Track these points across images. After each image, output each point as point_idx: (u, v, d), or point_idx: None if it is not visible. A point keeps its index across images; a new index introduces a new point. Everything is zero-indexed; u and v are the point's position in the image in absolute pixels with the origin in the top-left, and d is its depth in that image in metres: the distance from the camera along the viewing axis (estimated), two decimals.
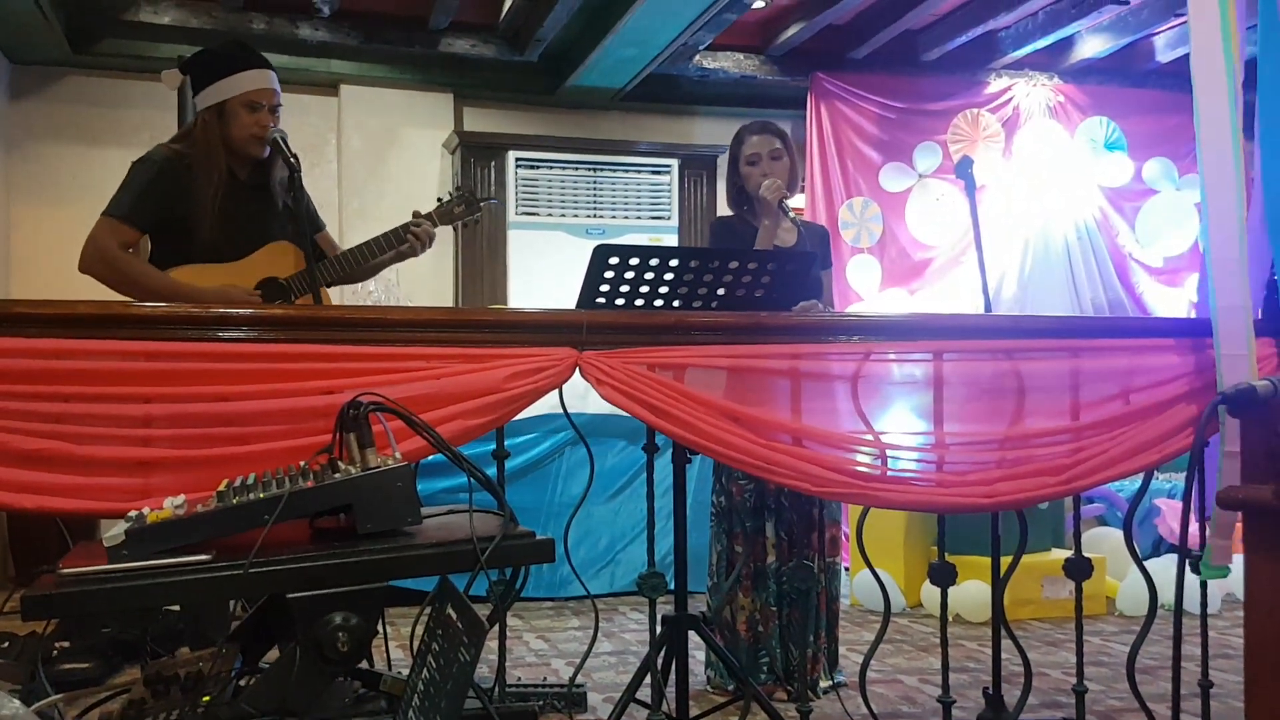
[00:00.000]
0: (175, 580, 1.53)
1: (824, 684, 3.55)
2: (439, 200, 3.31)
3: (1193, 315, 5.75)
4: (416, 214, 3.23)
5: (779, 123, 3.77)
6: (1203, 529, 2.51)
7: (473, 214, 3.28)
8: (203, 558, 1.55)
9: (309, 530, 1.74)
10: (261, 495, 1.60)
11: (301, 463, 1.83)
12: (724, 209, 3.82)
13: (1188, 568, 2.42)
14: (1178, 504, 5.39)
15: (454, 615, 1.52)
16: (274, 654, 1.84)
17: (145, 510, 1.64)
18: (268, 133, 3.04)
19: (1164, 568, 4.48)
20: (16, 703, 1.53)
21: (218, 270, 3.04)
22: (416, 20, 6.30)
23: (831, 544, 3.61)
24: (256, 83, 3.05)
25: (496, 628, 2.39)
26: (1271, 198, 2.40)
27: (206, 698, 1.61)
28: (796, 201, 3.67)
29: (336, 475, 1.66)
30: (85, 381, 2.09)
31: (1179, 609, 2.25)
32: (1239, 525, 2.15)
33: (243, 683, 1.73)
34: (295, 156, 3.05)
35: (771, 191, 3.45)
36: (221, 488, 1.74)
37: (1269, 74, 2.38)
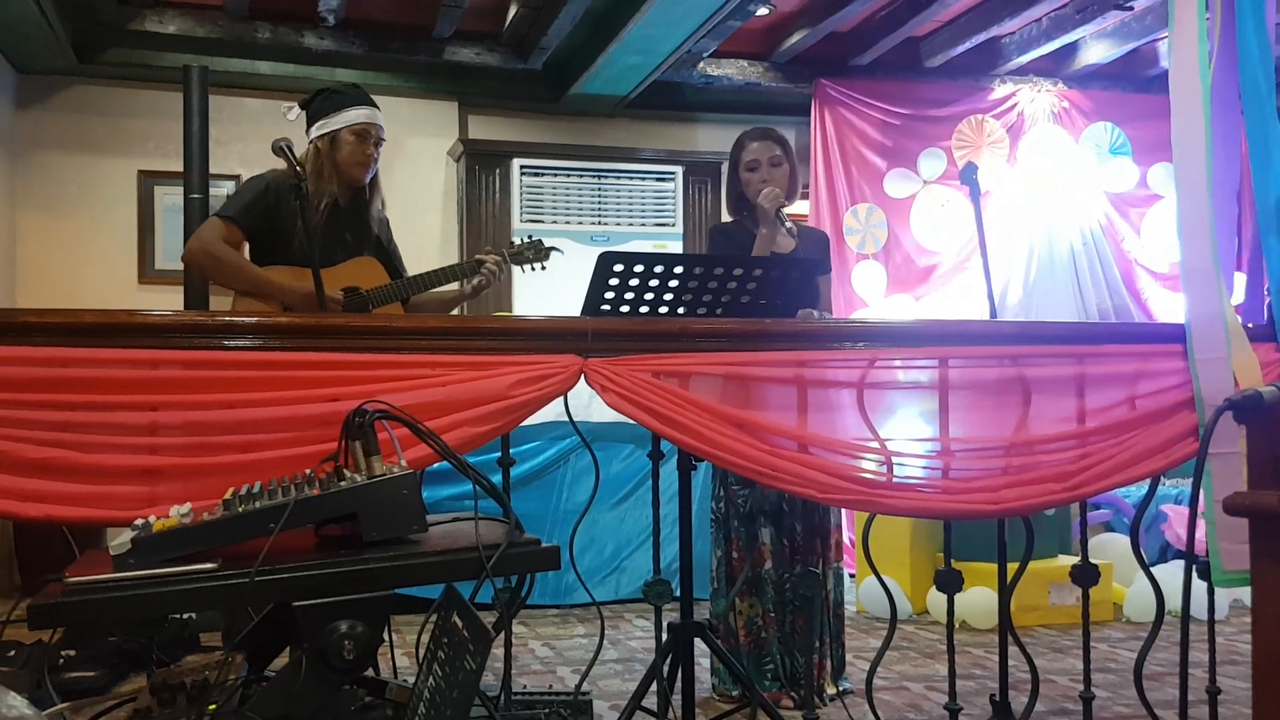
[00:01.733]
0: (181, 589, 1.53)
1: (830, 691, 3.55)
2: (513, 242, 3.71)
3: None
4: (489, 250, 3.58)
5: (783, 129, 3.77)
6: (1191, 531, 2.49)
7: (540, 260, 3.68)
8: (209, 566, 1.55)
9: (315, 538, 1.74)
10: (267, 503, 1.60)
11: (307, 471, 1.83)
12: (728, 216, 3.81)
13: (1195, 574, 2.41)
14: (1184, 510, 5.37)
15: (460, 623, 1.52)
16: (280, 661, 1.84)
17: (151, 519, 1.65)
18: (372, 160, 3.40)
19: (1171, 574, 4.46)
20: (21, 700, 1.53)
21: (302, 272, 3.23)
22: (421, 29, 6.31)
23: (836, 549, 3.61)
24: (367, 117, 3.40)
25: (502, 635, 2.39)
26: (1262, 207, 2.42)
27: (213, 706, 1.61)
28: (800, 208, 3.68)
29: (342, 483, 1.66)
30: (91, 390, 2.09)
31: (1186, 615, 2.24)
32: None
33: (249, 691, 1.73)
34: (371, 188, 3.45)
35: (769, 200, 3.46)
36: (227, 496, 1.74)
37: (1250, 85, 2.39)
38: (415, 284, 3.43)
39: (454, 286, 3.53)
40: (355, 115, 3.38)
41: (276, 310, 3.18)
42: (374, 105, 3.45)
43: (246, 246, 3.41)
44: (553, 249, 3.73)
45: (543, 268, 3.69)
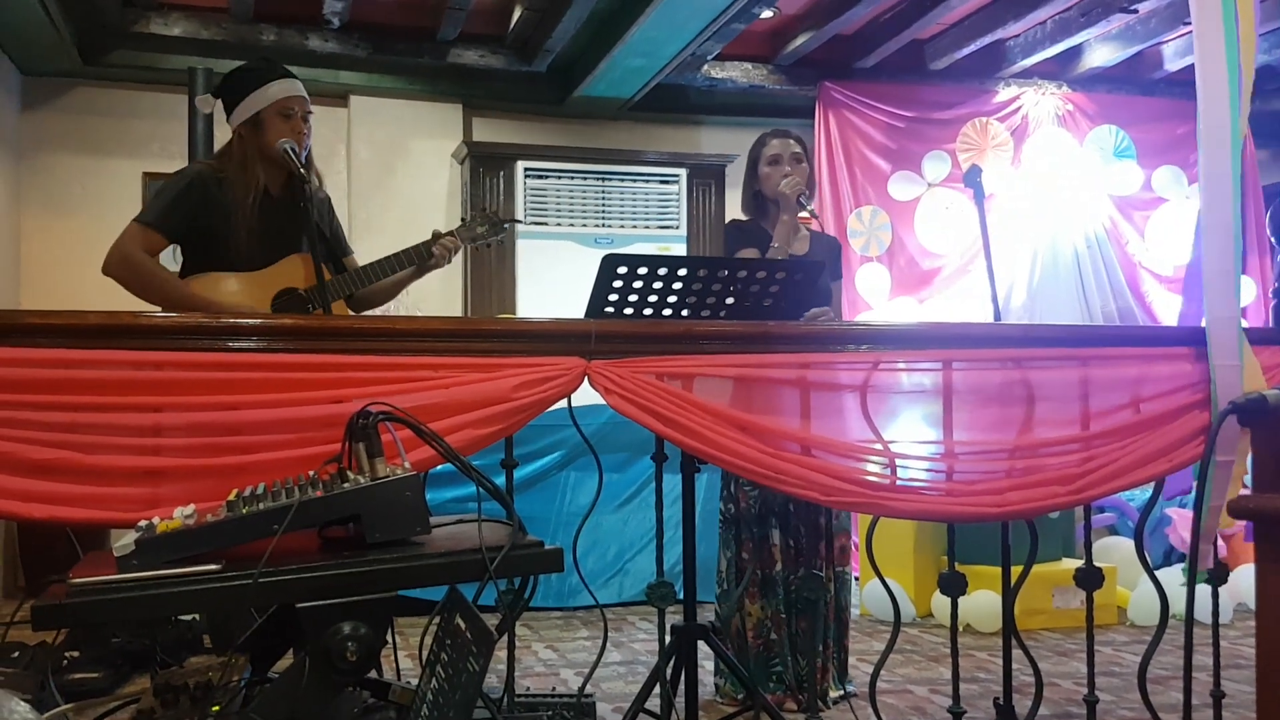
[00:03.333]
0: (185, 590, 1.53)
1: (834, 694, 3.54)
2: (462, 220, 3.39)
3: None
4: (437, 233, 3.28)
5: None
6: (1195, 535, 2.49)
7: (496, 235, 3.35)
8: (212, 567, 1.55)
9: (318, 540, 1.74)
10: (270, 505, 1.60)
11: (310, 472, 1.83)
12: (743, 215, 3.82)
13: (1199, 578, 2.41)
14: (1189, 513, 5.36)
15: (463, 625, 1.52)
16: (283, 663, 1.84)
17: (155, 520, 1.65)
18: (303, 139, 3.11)
19: (1175, 577, 4.46)
20: (24, 705, 1.54)
21: (235, 280, 3.08)
22: (425, 31, 6.32)
23: (841, 553, 3.60)
24: (287, 90, 3.12)
25: (505, 637, 2.39)
26: (1277, 212, 2.41)
27: (216, 707, 1.61)
28: None
29: (345, 485, 1.66)
30: (95, 391, 2.09)
31: (1190, 619, 2.24)
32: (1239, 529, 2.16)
33: (252, 692, 1.73)
34: (305, 168, 3.10)
35: (792, 187, 3.48)
36: (231, 497, 1.74)
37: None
38: (355, 278, 3.16)
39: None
40: (275, 92, 3.09)
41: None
42: (292, 76, 3.16)
43: (171, 250, 3.15)
44: (511, 220, 3.47)
45: (498, 242, 3.39)
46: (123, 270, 3.06)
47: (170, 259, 3.15)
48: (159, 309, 3.05)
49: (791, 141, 3.64)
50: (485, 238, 3.34)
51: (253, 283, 3.08)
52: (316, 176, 3.21)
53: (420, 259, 3.22)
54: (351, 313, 3.27)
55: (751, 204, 3.72)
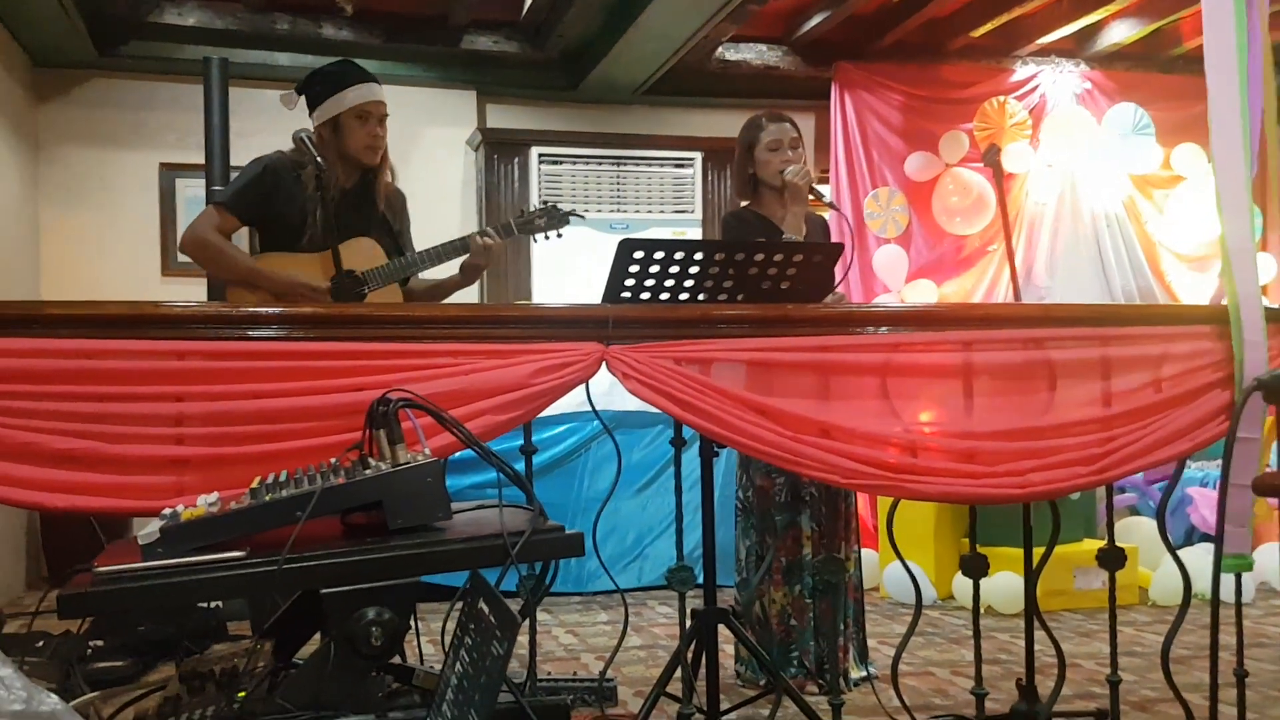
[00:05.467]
0: (210, 577, 1.54)
1: (855, 674, 3.54)
2: (522, 211, 3.47)
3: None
4: (484, 229, 3.36)
5: (802, 113, 3.76)
6: (1221, 513, 2.48)
7: (555, 227, 3.42)
8: (236, 555, 1.56)
9: (341, 526, 1.75)
10: (294, 492, 1.61)
11: (332, 459, 1.84)
12: (743, 201, 3.78)
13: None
14: (1211, 493, 5.34)
15: (486, 610, 1.53)
16: (308, 649, 1.85)
17: (179, 508, 1.66)
18: (380, 141, 3.26)
19: (1198, 557, 4.44)
20: (54, 698, 1.55)
21: (300, 259, 3.19)
22: (438, 18, 6.31)
23: (857, 533, 3.60)
24: (365, 96, 3.26)
25: (527, 622, 2.39)
26: None
27: (242, 693, 1.62)
28: (821, 191, 3.65)
29: (367, 472, 1.67)
30: (117, 381, 2.11)
31: (1216, 599, 2.23)
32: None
33: (277, 678, 1.74)
34: (379, 165, 3.29)
35: (801, 177, 3.43)
36: (254, 485, 1.75)
37: None
38: (411, 263, 3.29)
39: (454, 269, 3.36)
40: (354, 96, 3.23)
41: (268, 300, 3.09)
42: (371, 79, 3.31)
43: (249, 233, 3.35)
44: (571, 214, 3.47)
45: (558, 235, 3.44)
46: (194, 248, 3.25)
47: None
48: (228, 282, 3.27)
49: (789, 125, 3.58)
50: (544, 229, 3.41)
51: (315, 263, 3.18)
52: (391, 172, 3.37)
53: (459, 250, 3.30)
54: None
55: (748, 189, 3.66)
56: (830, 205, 3.55)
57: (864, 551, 3.80)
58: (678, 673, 2.67)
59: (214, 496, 1.65)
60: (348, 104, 3.22)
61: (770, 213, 3.56)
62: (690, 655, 2.73)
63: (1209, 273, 7.07)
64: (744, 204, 3.70)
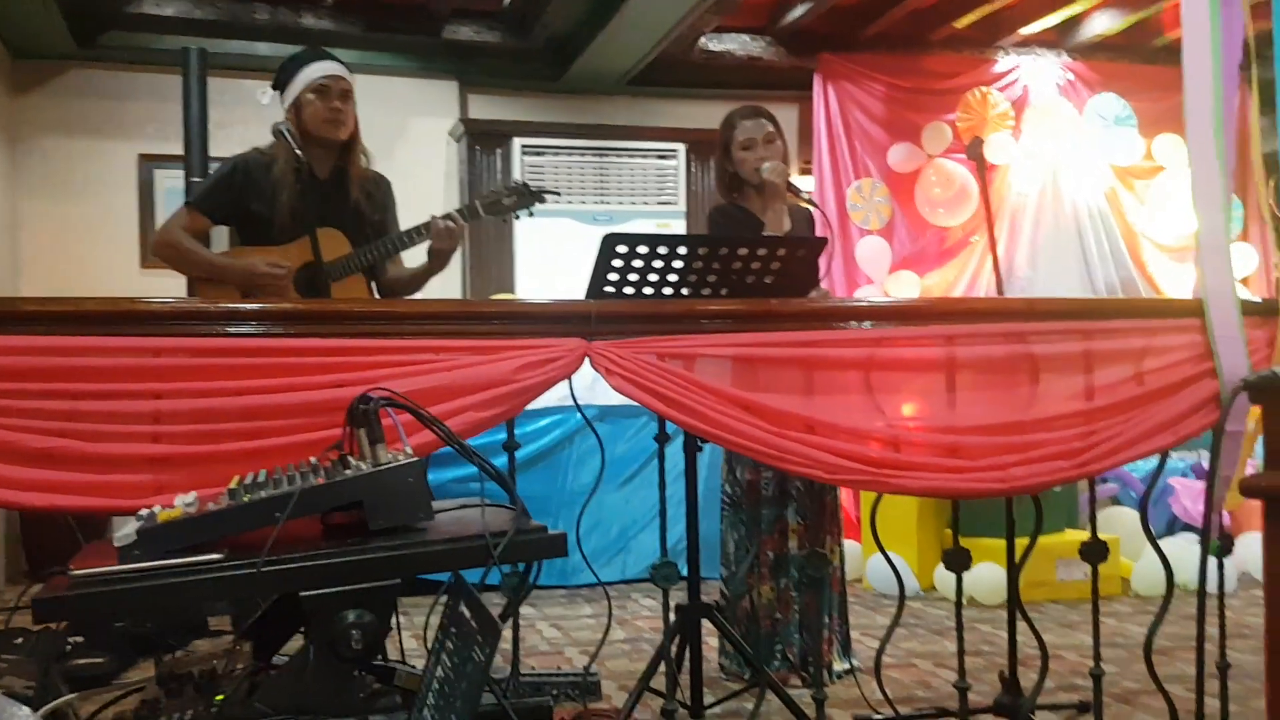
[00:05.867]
0: (187, 580, 1.52)
1: (838, 666, 3.55)
2: (487, 191, 3.43)
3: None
4: (446, 214, 3.29)
5: (785, 104, 3.75)
6: (1208, 508, 2.49)
7: (524, 206, 3.32)
8: (214, 557, 1.54)
9: (321, 527, 1.73)
10: (272, 493, 1.59)
11: (312, 459, 1.82)
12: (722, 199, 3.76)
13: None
14: (1192, 483, 5.36)
15: (468, 614, 1.51)
16: (290, 648, 1.84)
17: (156, 509, 1.64)
18: (341, 115, 3.20)
19: (1180, 548, 4.46)
20: (25, 710, 1.53)
21: (266, 252, 3.16)
22: (419, 8, 6.27)
23: (840, 525, 3.60)
24: (321, 70, 3.23)
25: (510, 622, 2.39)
26: None
27: (220, 696, 1.61)
28: (803, 183, 3.64)
29: (347, 472, 1.65)
30: (95, 379, 2.09)
31: (1203, 592, 2.24)
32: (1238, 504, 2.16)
33: (257, 680, 1.73)
34: (348, 147, 3.25)
35: (778, 175, 3.42)
36: (233, 485, 1.73)
37: None
38: (370, 251, 3.22)
39: (423, 257, 3.30)
40: (311, 72, 3.21)
41: (236, 297, 3.08)
42: (330, 58, 3.28)
43: (229, 233, 3.36)
44: (548, 192, 3.38)
45: (529, 214, 3.35)
46: (164, 250, 3.26)
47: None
48: (197, 279, 3.27)
49: (763, 120, 3.55)
50: (513, 209, 3.32)
51: (287, 255, 3.16)
52: (364, 155, 3.32)
53: (421, 236, 3.24)
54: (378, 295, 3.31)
55: (729, 187, 3.64)
56: (809, 201, 3.53)
57: (847, 543, 3.80)
58: (662, 667, 2.67)
59: (191, 497, 1.63)
60: (304, 80, 3.20)
61: (755, 208, 3.54)
62: (674, 649, 2.73)
63: (1190, 263, 7.10)
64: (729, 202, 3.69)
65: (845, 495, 4.78)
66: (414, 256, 3.35)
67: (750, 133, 3.53)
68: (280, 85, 3.27)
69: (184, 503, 1.63)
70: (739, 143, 3.55)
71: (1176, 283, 7.03)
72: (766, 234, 3.41)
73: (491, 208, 3.31)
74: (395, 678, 1.69)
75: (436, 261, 3.30)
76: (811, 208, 3.65)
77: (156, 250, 3.30)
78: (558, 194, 3.51)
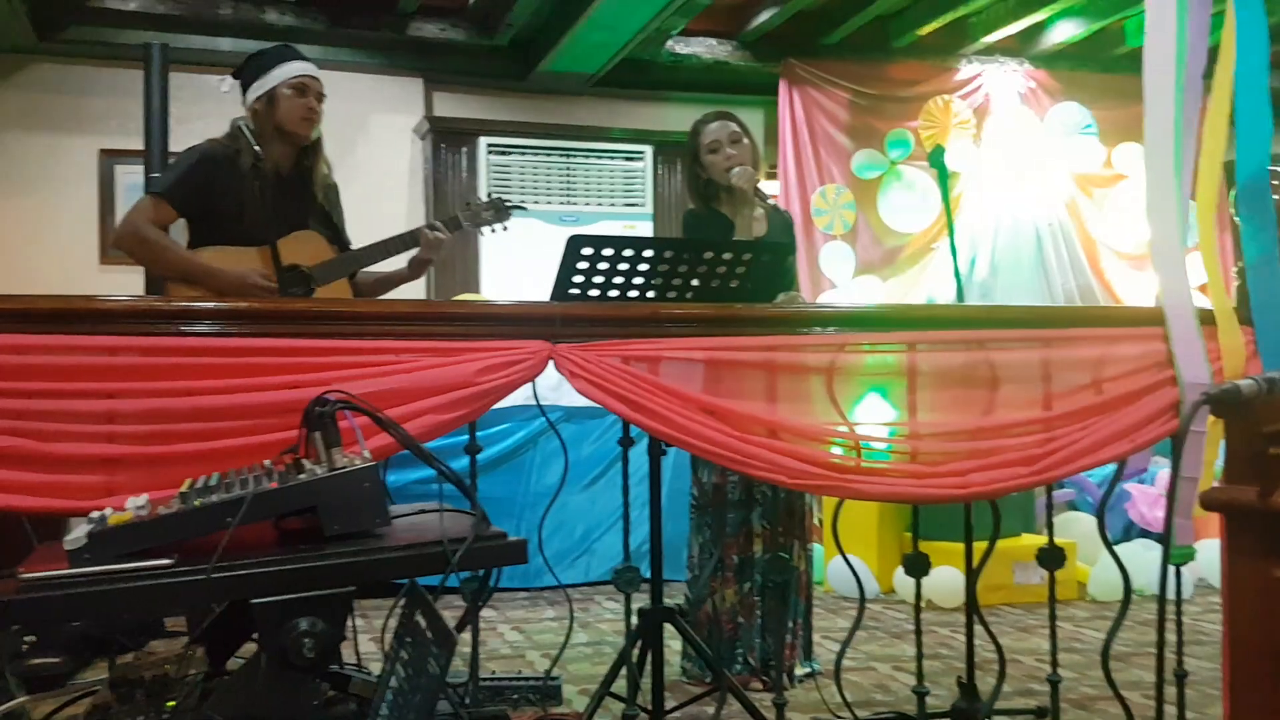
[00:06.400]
0: (137, 586, 1.50)
1: (799, 671, 3.55)
2: (467, 204, 3.44)
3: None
4: (432, 223, 3.32)
5: (751, 109, 3.77)
6: (1169, 514, 2.51)
7: (501, 220, 3.39)
8: (164, 562, 1.52)
9: (275, 532, 1.71)
10: (224, 497, 1.57)
11: (266, 462, 1.79)
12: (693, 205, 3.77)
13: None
14: (1148, 489, 5.42)
15: (423, 623, 1.49)
16: (244, 651, 1.81)
17: (107, 512, 1.61)
18: (315, 115, 3.19)
19: (1135, 553, 4.51)
20: None
21: (243, 253, 3.10)
22: (384, 4, 6.23)
23: (811, 530, 3.62)
24: (303, 70, 3.22)
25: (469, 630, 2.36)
26: (1244, 188, 2.42)
27: (171, 703, 1.58)
28: (768, 188, 3.66)
29: (301, 476, 1.62)
30: (47, 377, 2.05)
31: (1163, 600, 2.25)
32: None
33: (209, 686, 1.70)
34: (314, 151, 3.25)
35: (745, 180, 3.43)
36: (184, 489, 1.70)
37: (1244, 63, 2.38)
38: (360, 257, 3.23)
39: (403, 264, 3.33)
40: (291, 69, 3.19)
41: (211, 298, 2.99)
42: (308, 60, 3.28)
43: (185, 225, 3.24)
44: (516, 207, 3.46)
45: (504, 228, 3.41)
46: (131, 243, 3.13)
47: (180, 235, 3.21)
48: (167, 278, 3.15)
49: (727, 122, 3.56)
50: (491, 222, 3.38)
51: (254, 257, 3.10)
52: (326, 164, 3.31)
53: (408, 244, 3.26)
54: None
55: (702, 193, 3.65)
56: (775, 209, 3.55)
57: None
58: (624, 671, 2.66)
59: (143, 499, 1.61)
60: (284, 75, 3.17)
61: (729, 213, 3.55)
62: (636, 654, 2.72)
63: (1149, 271, 7.18)
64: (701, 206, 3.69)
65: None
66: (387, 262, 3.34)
67: (715, 134, 3.54)
68: (253, 76, 3.21)
69: (135, 506, 1.60)
70: (705, 146, 3.56)
71: (1135, 291, 7.12)
72: (736, 238, 3.42)
73: (473, 220, 3.37)
74: (350, 685, 1.67)
75: (416, 270, 3.32)
76: (767, 206, 3.67)
77: (121, 242, 3.16)
78: (525, 209, 3.59)
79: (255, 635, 1.71)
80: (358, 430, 1.82)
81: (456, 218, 3.35)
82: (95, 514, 1.61)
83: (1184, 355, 2.45)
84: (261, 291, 3.02)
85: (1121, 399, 2.52)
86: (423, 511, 1.77)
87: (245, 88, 3.24)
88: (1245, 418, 1.71)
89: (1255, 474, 1.68)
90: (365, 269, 3.33)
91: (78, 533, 1.56)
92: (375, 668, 1.70)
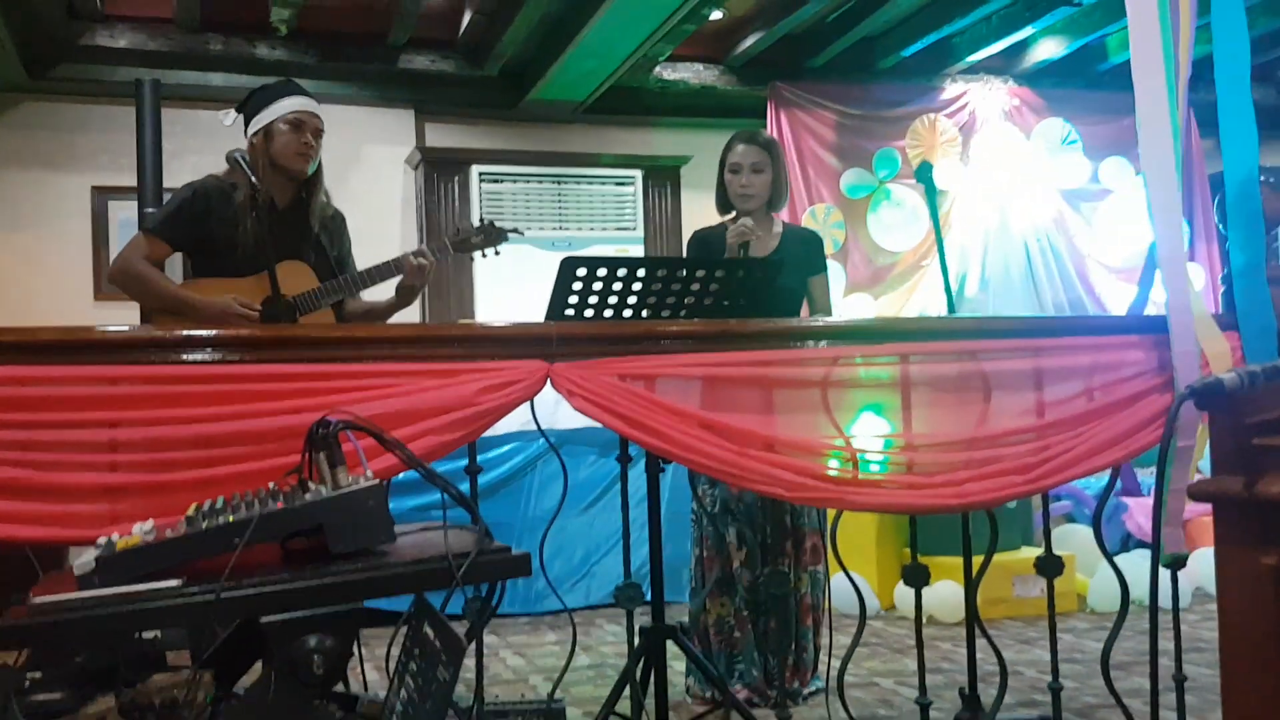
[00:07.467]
0: (147, 608, 1.51)
1: (806, 690, 3.56)
2: (458, 229, 3.46)
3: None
4: (417, 250, 3.32)
5: None
6: (1157, 518, 2.53)
7: (492, 244, 3.39)
8: (174, 583, 1.53)
9: (281, 552, 1.72)
10: (231, 519, 1.58)
11: (271, 484, 1.81)
12: (689, 219, 3.83)
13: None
14: (1145, 500, 5.44)
15: (431, 634, 1.51)
16: (250, 677, 1.82)
17: (115, 537, 1.62)
18: (311, 151, 3.22)
19: (1134, 563, 4.52)
20: None
21: (229, 284, 3.12)
22: (375, 37, 6.28)
23: (813, 552, 3.61)
24: (301, 105, 3.25)
25: (473, 644, 2.38)
26: (1232, 196, 2.45)
27: None
28: None
29: (307, 496, 1.64)
30: (49, 408, 2.06)
31: (1154, 606, 2.26)
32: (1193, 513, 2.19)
33: (218, 708, 1.71)
34: (310, 183, 3.27)
35: (736, 235, 3.43)
36: (190, 512, 1.72)
37: (1226, 74, 2.42)
38: (343, 286, 3.24)
39: (391, 291, 3.33)
40: (288, 105, 3.22)
41: (207, 327, 2.94)
42: (308, 95, 3.31)
43: (181, 259, 3.29)
44: (513, 231, 3.46)
45: (495, 253, 3.42)
46: (122, 279, 3.19)
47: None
48: (155, 310, 3.18)
49: (757, 148, 3.60)
50: (481, 247, 3.39)
51: (249, 287, 3.12)
52: (325, 195, 3.33)
53: (392, 271, 3.26)
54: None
55: (722, 202, 3.72)
56: (799, 229, 3.59)
57: None
58: (627, 691, 2.67)
59: (150, 524, 1.62)
60: (281, 111, 3.21)
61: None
62: (639, 672, 2.73)
63: (1136, 283, 7.23)
64: (726, 218, 3.72)
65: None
66: (376, 290, 3.34)
67: (739, 157, 3.60)
68: (253, 109, 3.25)
69: (142, 530, 1.62)
70: (729, 165, 3.63)
71: (1123, 302, 7.16)
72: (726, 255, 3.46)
73: (461, 245, 3.37)
74: (358, 704, 1.68)
75: (404, 298, 3.32)
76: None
77: (115, 278, 3.21)
78: (521, 233, 3.55)
79: (262, 658, 1.73)
80: (360, 451, 1.84)
81: (444, 243, 3.36)
82: (102, 539, 1.62)
83: (1182, 361, 2.47)
84: (242, 321, 3.03)
85: (1113, 406, 2.55)
86: (426, 529, 1.79)
87: (247, 120, 3.27)
88: (1229, 410, 1.74)
89: (1241, 464, 1.70)
90: (350, 301, 3.33)
91: (86, 557, 1.57)
92: (379, 695, 1.71)
